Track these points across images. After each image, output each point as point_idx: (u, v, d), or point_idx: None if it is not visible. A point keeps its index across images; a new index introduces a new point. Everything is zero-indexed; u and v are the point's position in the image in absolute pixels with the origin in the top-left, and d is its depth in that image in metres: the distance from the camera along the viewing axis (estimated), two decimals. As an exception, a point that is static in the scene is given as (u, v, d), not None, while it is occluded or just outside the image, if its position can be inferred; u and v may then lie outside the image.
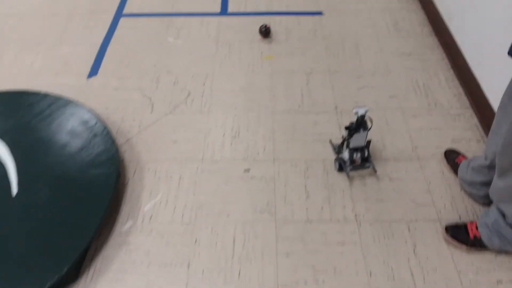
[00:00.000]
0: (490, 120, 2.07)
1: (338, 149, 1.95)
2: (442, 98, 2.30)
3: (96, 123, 2.05)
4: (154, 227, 1.79)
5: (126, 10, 3.00)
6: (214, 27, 2.83)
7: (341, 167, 1.93)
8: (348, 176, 1.94)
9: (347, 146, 1.85)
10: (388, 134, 2.12)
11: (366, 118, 1.78)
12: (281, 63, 2.55)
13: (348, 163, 1.87)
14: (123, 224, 1.81)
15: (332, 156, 2.04)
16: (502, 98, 1.49)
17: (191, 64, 2.56)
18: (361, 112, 1.73)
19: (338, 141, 2.05)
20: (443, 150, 2.03)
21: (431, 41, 2.66)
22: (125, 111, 2.28)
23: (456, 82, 2.38)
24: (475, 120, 2.18)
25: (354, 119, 1.82)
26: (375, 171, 1.93)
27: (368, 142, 1.87)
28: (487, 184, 1.72)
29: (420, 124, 2.17)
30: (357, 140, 1.80)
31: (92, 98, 2.35)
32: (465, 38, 2.36)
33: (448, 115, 2.21)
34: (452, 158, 1.95)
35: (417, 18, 2.84)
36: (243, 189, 1.92)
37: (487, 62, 2.13)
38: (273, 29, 2.78)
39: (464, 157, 1.94)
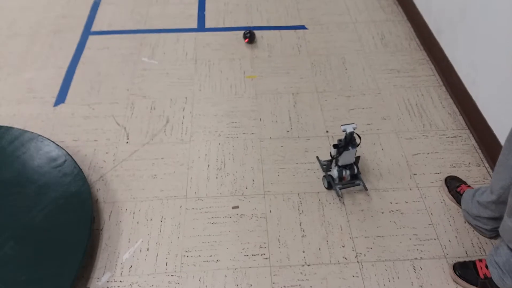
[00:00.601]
0: (488, 142, 1.97)
1: (326, 166, 1.85)
2: (436, 118, 2.18)
3: (65, 161, 1.84)
4: (135, 280, 1.60)
5: (95, 27, 2.78)
6: (191, 45, 2.65)
7: (330, 185, 1.84)
8: (338, 195, 1.83)
9: (336, 163, 1.77)
10: (384, 161, 1.99)
11: (354, 135, 1.70)
12: (265, 83, 2.39)
13: (337, 181, 1.79)
14: (100, 278, 1.61)
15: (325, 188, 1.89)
16: (511, 130, 1.38)
17: (169, 87, 2.36)
18: (349, 129, 1.66)
19: (325, 156, 1.91)
20: (442, 177, 1.91)
21: (420, 55, 2.55)
22: (97, 142, 2.07)
23: (449, 100, 2.27)
24: (472, 142, 2.07)
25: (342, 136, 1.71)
26: (365, 188, 1.84)
27: (357, 158, 1.79)
28: (495, 219, 1.60)
29: (417, 148, 2.04)
30: (346, 157, 1.74)
31: (60, 129, 2.13)
32: (457, 53, 2.25)
33: (444, 137, 2.10)
34: (454, 187, 1.83)
35: (404, 31, 2.73)
36: (232, 229, 1.74)
37: (482, 80, 2.03)
38: (254, 45, 2.62)
39: (466, 185, 1.82)
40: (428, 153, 2.02)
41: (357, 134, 1.73)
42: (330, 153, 1.79)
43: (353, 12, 2.89)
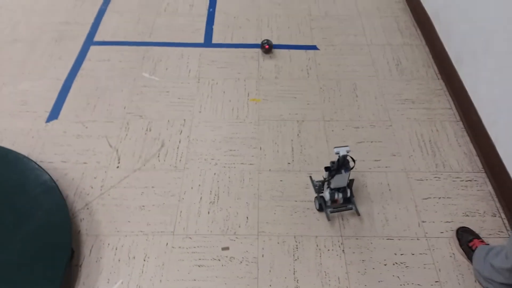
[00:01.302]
0: (506, 189, 1.80)
1: (318, 188, 1.78)
2: (451, 158, 2.02)
3: (50, 188, 1.72)
4: (110, 327, 1.48)
5: (98, 37, 2.67)
6: (196, 61, 2.52)
7: (321, 207, 1.78)
8: (328, 218, 1.74)
9: (328, 186, 1.71)
10: (391, 204, 1.84)
11: (348, 158, 1.64)
12: (269, 108, 2.25)
13: (329, 203, 1.74)
14: (73, 322, 1.49)
15: (326, 232, 1.74)
16: None
17: (168, 107, 2.24)
18: (342, 152, 1.60)
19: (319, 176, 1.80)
20: (454, 226, 1.76)
21: (437, 85, 2.39)
22: (86, 165, 1.96)
23: (466, 138, 2.10)
24: (489, 187, 1.90)
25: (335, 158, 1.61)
26: (358, 214, 1.77)
27: (351, 181, 1.72)
28: (509, 285, 1.44)
29: (427, 192, 1.89)
30: (339, 180, 1.68)
31: (50, 148, 2.03)
32: (478, 88, 2.09)
33: (458, 180, 1.93)
34: (466, 240, 1.67)
35: (421, 57, 2.56)
36: (220, 275, 1.61)
37: (504, 121, 1.86)
38: (261, 65, 2.48)
39: (479, 240, 1.66)
40: (439, 198, 1.86)
41: (351, 157, 1.64)
42: (323, 176, 1.70)
43: (369, 33, 2.74)
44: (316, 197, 1.80)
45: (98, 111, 2.21)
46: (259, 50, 2.60)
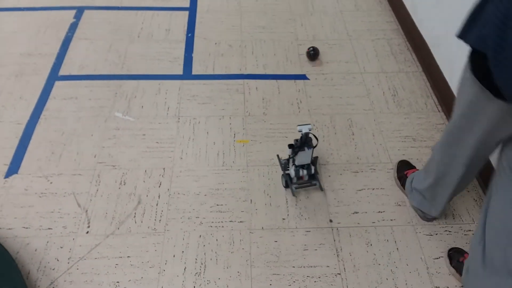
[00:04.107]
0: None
1: (284, 166, 1.83)
2: (460, 207, 1.84)
3: (6, 269, 1.46)
4: None
5: (63, 70, 2.40)
6: (175, 96, 2.28)
7: (287, 184, 1.84)
8: (293, 194, 1.82)
9: (293, 163, 1.77)
10: (400, 267, 1.64)
11: (311, 135, 1.70)
12: (258, 150, 2.03)
13: (294, 180, 1.81)
14: None
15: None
16: None
17: (144, 153, 2.00)
18: (305, 130, 1.65)
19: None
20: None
21: (439, 119, 2.20)
22: (51, 232, 1.70)
23: (474, 182, 1.92)
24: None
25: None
26: (321, 189, 1.85)
27: (315, 158, 1.84)
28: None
29: (438, 250, 1.70)
30: (303, 157, 1.74)
31: (10, 210, 1.76)
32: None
33: (471, 233, 1.75)
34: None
35: (419, 86, 2.38)
36: None
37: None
38: (247, 99, 2.26)
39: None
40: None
41: (314, 135, 1.73)
42: (288, 154, 1.78)
43: (361, 59, 2.54)
44: (282, 174, 1.87)
45: (65, 162, 1.95)
46: (243, 82, 2.37)
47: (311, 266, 1.63)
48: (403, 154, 2.04)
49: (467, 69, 1.13)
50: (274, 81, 2.40)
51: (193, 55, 2.53)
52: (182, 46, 2.59)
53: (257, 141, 2.08)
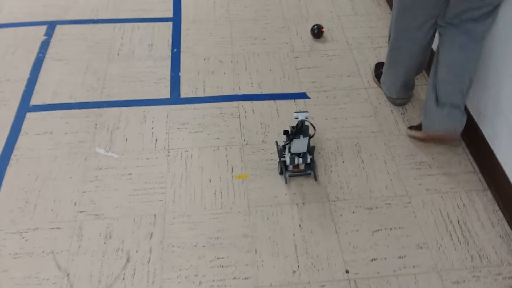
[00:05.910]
0: None
1: (280, 152, 1.80)
2: (487, 246, 1.66)
3: None
4: None
5: (36, 98, 2.14)
6: (163, 125, 2.04)
7: (282, 171, 1.81)
8: (285, 181, 1.80)
9: (289, 150, 1.72)
10: (429, 328, 1.45)
11: (307, 124, 1.68)
12: (260, 187, 1.82)
13: (290, 168, 1.79)
14: None
15: None
16: None
17: (132, 198, 1.77)
18: (301, 117, 1.63)
19: None
20: None
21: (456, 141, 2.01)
22: (28, 303, 1.47)
23: (499, 214, 1.75)
24: (539, 287, 1.55)
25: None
26: (315, 179, 1.82)
27: (312, 148, 1.82)
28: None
29: (469, 301, 1.52)
30: (298, 145, 1.69)
31: (-24, 278, 1.52)
32: (502, 149, 1.72)
33: (500, 278, 1.57)
34: None
35: (430, 103, 2.17)
36: None
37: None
38: (243, 124, 2.04)
39: None
40: (484, 308, 1.50)
41: (311, 124, 1.72)
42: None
43: (364, 72, 2.33)
44: (278, 161, 1.83)
45: (40, 213, 1.71)
46: (238, 104, 2.15)
47: (329, 330, 1.44)
48: (420, 184, 1.84)
49: None
50: (271, 101, 2.18)
51: (180, 74, 2.29)
52: (167, 63, 2.34)
53: (258, 176, 1.86)
